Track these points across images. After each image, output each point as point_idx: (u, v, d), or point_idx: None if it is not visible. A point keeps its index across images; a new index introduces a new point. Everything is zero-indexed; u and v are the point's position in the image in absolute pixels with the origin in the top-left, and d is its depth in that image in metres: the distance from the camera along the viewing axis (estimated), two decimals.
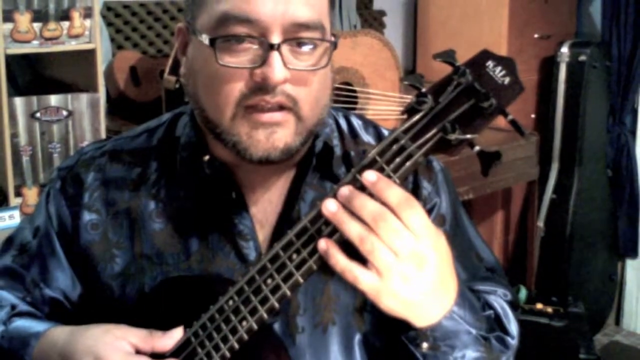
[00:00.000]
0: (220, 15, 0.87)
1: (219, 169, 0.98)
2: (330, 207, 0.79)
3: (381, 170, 0.79)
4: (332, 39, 0.93)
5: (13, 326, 1.01)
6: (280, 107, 0.88)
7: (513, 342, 1.00)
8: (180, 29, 0.98)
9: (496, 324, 1.00)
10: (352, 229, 0.77)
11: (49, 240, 1.06)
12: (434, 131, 0.78)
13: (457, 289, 0.86)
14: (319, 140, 0.99)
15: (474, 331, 0.89)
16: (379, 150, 0.80)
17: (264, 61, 0.86)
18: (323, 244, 0.79)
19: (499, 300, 1.04)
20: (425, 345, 0.86)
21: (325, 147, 1.00)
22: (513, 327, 1.01)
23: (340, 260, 0.78)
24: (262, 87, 0.87)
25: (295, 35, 0.88)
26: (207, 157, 0.97)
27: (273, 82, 0.86)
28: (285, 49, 0.87)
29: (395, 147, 0.79)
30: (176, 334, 0.90)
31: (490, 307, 1.01)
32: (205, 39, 0.88)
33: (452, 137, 0.76)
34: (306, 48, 0.89)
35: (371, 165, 0.79)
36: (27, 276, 1.07)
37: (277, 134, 0.89)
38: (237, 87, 0.88)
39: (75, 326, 0.98)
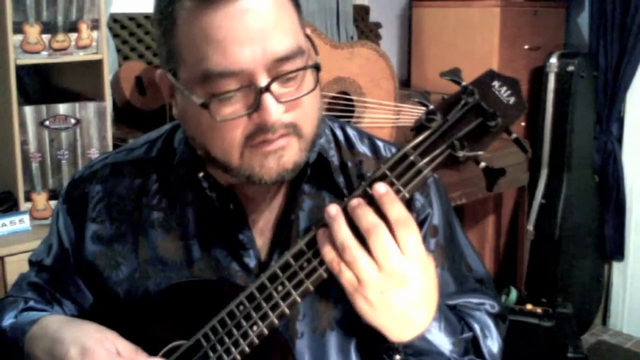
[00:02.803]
0: (202, 74, 0.84)
1: (215, 184, 0.98)
2: (331, 210, 0.81)
3: (391, 184, 0.80)
4: (315, 58, 0.90)
5: (20, 318, 1.03)
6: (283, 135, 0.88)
7: None
8: (162, 76, 0.93)
9: (472, 346, 1.00)
10: (339, 235, 0.80)
11: (60, 256, 1.08)
12: (442, 148, 0.79)
13: (435, 312, 0.87)
14: (313, 151, 0.98)
15: (447, 353, 0.91)
16: (389, 165, 0.81)
17: (257, 105, 0.84)
18: (322, 232, 0.83)
19: (483, 317, 1.03)
20: (397, 357, 0.88)
21: (319, 157, 1.00)
22: (494, 345, 1.01)
23: (330, 252, 0.81)
24: (262, 127, 0.85)
25: (280, 71, 0.84)
26: (201, 174, 0.97)
27: (271, 123, 0.84)
28: (274, 86, 0.84)
29: (405, 163, 0.80)
30: None
31: (470, 328, 1.01)
32: (195, 100, 0.85)
33: (460, 154, 0.77)
34: (293, 75, 0.86)
35: (381, 179, 0.80)
36: (47, 290, 1.10)
37: (285, 157, 0.88)
38: (239, 132, 0.86)
39: (70, 317, 1.00)
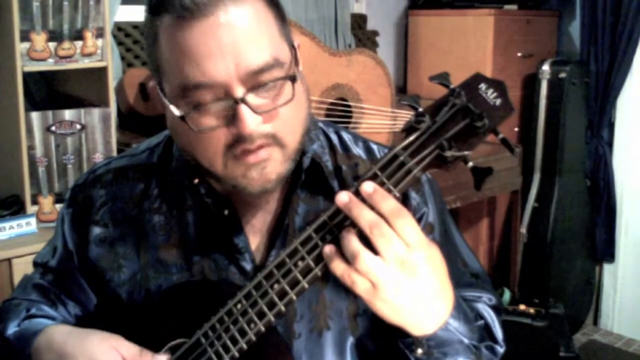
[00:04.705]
0: (180, 86, 0.85)
1: (211, 190, 0.98)
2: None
3: (382, 184, 0.80)
4: (296, 69, 0.89)
5: (23, 326, 1.03)
6: (263, 146, 0.87)
7: (501, 350, 1.01)
8: (154, 88, 0.93)
9: (486, 333, 1.01)
10: (347, 246, 0.79)
11: (65, 258, 1.08)
12: (431, 148, 0.79)
13: (453, 301, 0.86)
14: (306, 156, 0.98)
15: (466, 341, 0.90)
16: (380, 166, 0.81)
17: (234, 116, 0.84)
18: (328, 249, 0.81)
19: (486, 308, 1.04)
20: (420, 351, 0.87)
21: (313, 162, 1.00)
22: (499, 334, 1.02)
23: (339, 266, 0.80)
24: (240, 137, 0.85)
25: (255, 83, 0.84)
26: (196, 181, 0.97)
27: (247, 133, 0.84)
28: (250, 97, 0.84)
29: (395, 163, 0.80)
30: (162, 359, 0.91)
31: (482, 317, 1.02)
32: (174, 111, 0.86)
33: (449, 153, 0.77)
34: (270, 86, 0.86)
35: (372, 179, 0.80)
36: (51, 291, 1.10)
37: (267, 168, 0.88)
38: (220, 142, 0.86)
39: (74, 327, 0.99)
